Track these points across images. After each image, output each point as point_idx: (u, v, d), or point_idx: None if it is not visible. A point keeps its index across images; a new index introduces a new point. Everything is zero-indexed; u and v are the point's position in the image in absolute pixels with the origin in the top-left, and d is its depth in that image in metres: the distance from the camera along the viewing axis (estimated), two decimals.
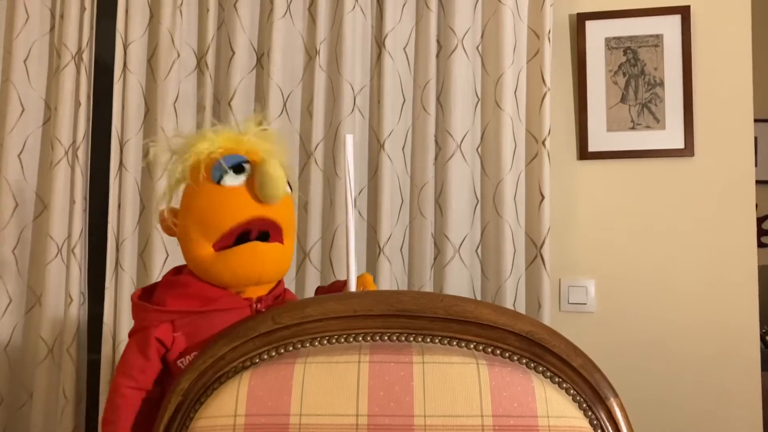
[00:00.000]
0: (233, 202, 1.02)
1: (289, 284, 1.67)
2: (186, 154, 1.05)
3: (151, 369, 1.01)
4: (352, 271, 1.07)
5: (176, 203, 1.08)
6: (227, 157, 1.03)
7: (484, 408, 0.82)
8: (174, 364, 1.01)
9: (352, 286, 1.06)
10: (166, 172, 1.09)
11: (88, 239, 1.79)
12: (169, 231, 1.08)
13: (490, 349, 0.87)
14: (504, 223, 1.63)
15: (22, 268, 1.80)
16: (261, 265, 1.03)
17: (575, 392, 0.85)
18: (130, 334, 1.05)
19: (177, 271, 1.11)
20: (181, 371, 0.96)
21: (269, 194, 1.01)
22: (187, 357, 1.00)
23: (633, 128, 1.69)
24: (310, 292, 1.64)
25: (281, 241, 1.06)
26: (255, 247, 1.02)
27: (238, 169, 1.03)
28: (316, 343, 0.90)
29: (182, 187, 1.07)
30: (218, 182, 1.02)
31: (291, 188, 1.10)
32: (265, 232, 1.04)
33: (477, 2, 1.70)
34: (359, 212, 1.69)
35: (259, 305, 1.05)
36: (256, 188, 1.01)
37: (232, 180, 1.02)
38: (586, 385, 0.85)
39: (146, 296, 1.08)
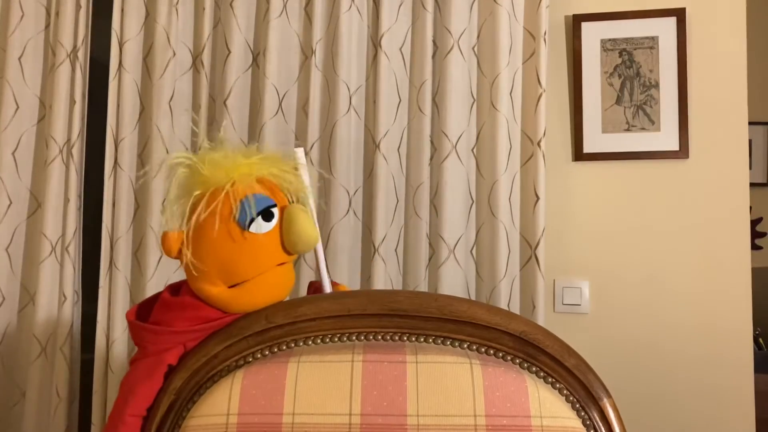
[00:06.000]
0: (261, 254, 0.96)
1: None
2: (201, 187, 0.96)
3: (155, 392, 0.95)
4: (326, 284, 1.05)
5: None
6: (254, 198, 0.95)
7: (477, 408, 0.82)
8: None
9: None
10: (175, 193, 0.99)
11: (82, 238, 1.79)
12: (174, 256, 0.99)
13: (483, 349, 0.87)
14: (499, 224, 1.63)
15: (15, 266, 1.80)
16: (286, 290, 0.99)
17: (568, 393, 0.85)
18: (136, 360, 0.98)
19: (173, 290, 1.04)
20: None
21: (305, 251, 0.97)
22: None
23: (628, 130, 1.69)
24: (303, 292, 1.64)
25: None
26: (284, 270, 0.98)
27: (266, 214, 0.96)
28: (310, 343, 0.90)
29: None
30: (246, 227, 0.94)
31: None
32: None
33: (473, 3, 1.70)
34: (354, 212, 1.69)
35: None
36: (286, 242, 0.95)
37: (261, 228, 0.95)
38: (579, 385, 0.86)
39: (142, 316, 1.01)
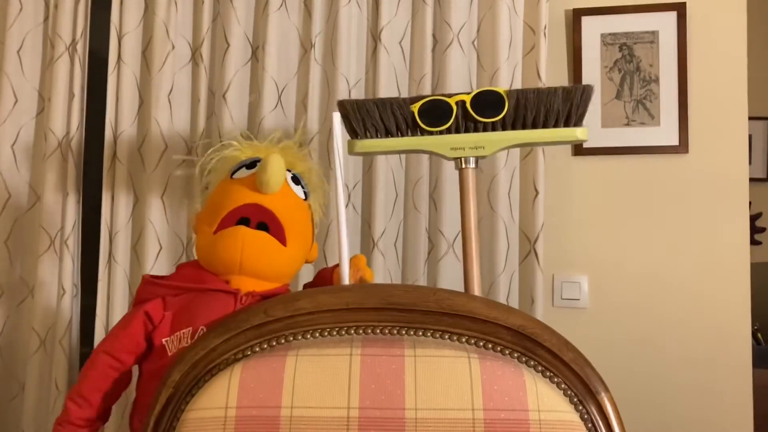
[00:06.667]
0: (235, 189, 1.12)
1: None
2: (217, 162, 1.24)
3: (127, 337, 1.06)
4: (344, 254, 1.08)
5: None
6: (250, 159, 1.17)
7: (475, 401, 0.82)
8: (159, 342, 1.03)
9: (345, 271, 1.07)
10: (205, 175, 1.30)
11: (81, 231, 1.78)
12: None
13: (481, 343, 0.87)
14: (498, 219, 1.63)
15: (14, 259, 1.80)
16: (240, 249, 1.08)
17: (566, 387, 0.85)
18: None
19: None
20: (164, 351, 0.99)
21: (263, 180, 1.07)
22: (171, 337, 1.03)
23: (628, 125, 1.69)
24: (301, 286, 1.64)
25: (282, 240, 1.11)
26: (237, 230, 1.09)
27: (251, 165, 1.14)
28: (308, 336, 0.90)
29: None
30: (232, 176, 1.15)
31: (307, 195, 1.23)
32: (264, 224, 1.07)
33: None
34: (353, 206, 1.69)
35: (244, 298, 1.06)
36: (256, 179, 1.09)
37: (242, 173, 1.14)
38: (577, 379, 0.86)
39: None
